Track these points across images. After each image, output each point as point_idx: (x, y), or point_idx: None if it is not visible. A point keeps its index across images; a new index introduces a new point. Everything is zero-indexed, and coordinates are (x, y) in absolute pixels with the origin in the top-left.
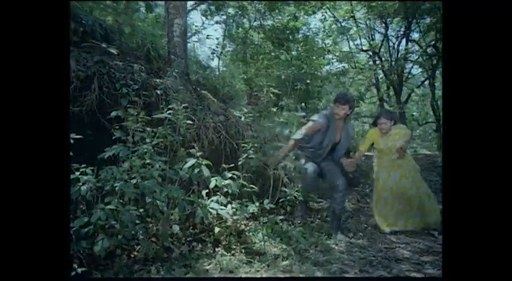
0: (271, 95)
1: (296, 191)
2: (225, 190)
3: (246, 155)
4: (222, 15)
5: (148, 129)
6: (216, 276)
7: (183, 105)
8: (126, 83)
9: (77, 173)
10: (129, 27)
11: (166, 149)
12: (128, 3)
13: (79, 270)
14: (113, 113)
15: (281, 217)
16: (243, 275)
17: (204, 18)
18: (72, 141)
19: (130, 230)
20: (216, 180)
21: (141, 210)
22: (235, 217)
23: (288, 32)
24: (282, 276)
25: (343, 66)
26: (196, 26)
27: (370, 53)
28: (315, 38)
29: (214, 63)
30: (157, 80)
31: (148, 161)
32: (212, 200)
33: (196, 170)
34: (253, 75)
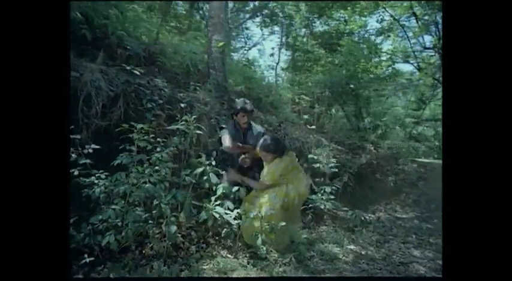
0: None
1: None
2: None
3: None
4: (276, 25)
5: (158, 139)
6: (212, 276)
7: (193, 116)
8: (152, 99)
9: (92, 178)
10: (172, 47)
11: (179, 156)
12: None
13: (87, 259)
14: (139, 126)
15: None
16: (235, 276)
17: (260, 30)
18: (91, 150)
19: (132, 229)
20: (223, 187)
21: (153, 211)
22: (236, 222)
23: (340, 35)
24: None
25: (406, 67)
26: (250, 37)
27: (435, 50)
28: (372, 40)
29: (268, 72)
30: (181, 95)
31: (156, 167)
32: (217, 205)
33: (204, 177)
34: (303, 82)
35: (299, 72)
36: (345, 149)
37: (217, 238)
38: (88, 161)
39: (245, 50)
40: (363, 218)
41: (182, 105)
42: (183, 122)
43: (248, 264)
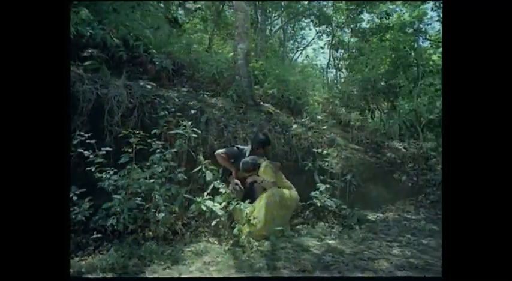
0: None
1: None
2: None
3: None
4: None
5: (158, 142)
6: (187, 255)
7: (190, 122)
8: (165, 108)
9: (103, 173)
10: (200, 59)
11: (178, 156)
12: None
13: (96, 236)
14: (154, 131)
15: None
16: (206, 260)
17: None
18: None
19: (131, 214)
20: (214, 184)
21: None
22: (221, 213)
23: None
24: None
25: None
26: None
27: None
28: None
29: (315, 72)
30: (192, 103)
31: (155, 165)
32: (206, 198)
33: (200, 174)
34: (339, 81)
35: (340, 70)
36: (365, 148)
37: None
38: (102, 160)
39: (300, 50)
40: (368, 216)
41: (192, 111)
42: (183, 127)
43: (224, 250)
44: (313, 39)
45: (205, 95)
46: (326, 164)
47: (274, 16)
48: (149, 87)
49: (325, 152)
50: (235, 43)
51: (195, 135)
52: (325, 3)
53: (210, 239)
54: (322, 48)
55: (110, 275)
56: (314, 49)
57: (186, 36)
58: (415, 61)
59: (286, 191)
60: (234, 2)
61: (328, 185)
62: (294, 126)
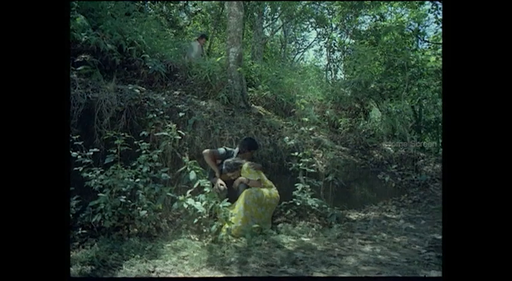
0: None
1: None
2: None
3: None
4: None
5: (144, 143)
6: (166, 250)
7: (178, 124)
8: (155, 111)
9: (89, 173)
10: (193, 63)
11: (165, 157)
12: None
13: (80, 232)
14: (142, 133)
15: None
16: (183, 255)
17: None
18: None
19: (115, 212)
20: (200, 183)
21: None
22: (202, 210)
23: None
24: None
25: None
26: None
27: None
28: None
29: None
30: (180, 106)
31: (141, 166)
32: (189, 197)
33: (185, 174)
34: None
35: (336, 72)
36: (352, 149)
37: (193, 224)
38: (90, 160)
39: (301, 52)
40: (350, 216)
41: (180, 114)
42: (168, 130)
43: (202, 246)
44: (314, 41)
45: (193, 99)
46: (309, 165)
47: (273, 19)
48: (137, 91)
49: (306, 153)
50: (228, 47)
51: (179, 137)
52: (322, 5)
53: (192, 236)
54: (320, 50)
55: (88, 268)
56: (316, 50)
57: (185, 39)
58: (409, 63)
59: (265, 190)
60: (226, 7)
61: (307, 185)
62: (285, 128)
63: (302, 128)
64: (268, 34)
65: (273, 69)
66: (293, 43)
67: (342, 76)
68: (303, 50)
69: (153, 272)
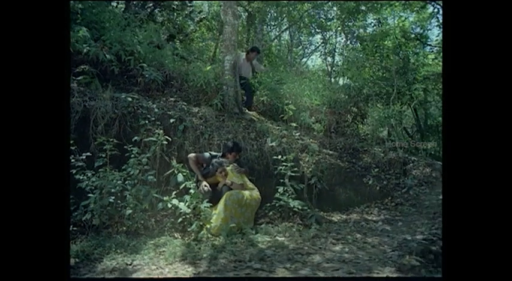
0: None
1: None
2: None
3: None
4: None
5: (134, 148)
6: (148, 246)
7: (168, 130)
8: (147, 117)
9: (81, 175)
10: (190, 70)
11: (154, 160)
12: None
13: (72, 229)
14: (134, 138)
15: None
16: (161, 250)
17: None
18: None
19: (99, 211)
20: (186, 184)
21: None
22: (185, 210)
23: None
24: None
25: None
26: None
27: None
28: (428, 36)
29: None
30: (171, 112)
31: (130, 169)
32: (173, 197)
33: (173, 177)
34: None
35: (336, 77)
36: (340, 153)
37: (179, 223)
38: (82, 164)
39: (306, 56)
40: (332, 218)
41: (171, 120)
42: (156, 135)
43: (182, 243)
44: (319, 45)
45: (186, 105)
46: (292, 168)
47: (274, 24)
48: (130, 99)
49: (289, 157)
50: (223, 55)
51: (166, 142)
52: (325, 8)
53: (175, 234)
54: (323, 54)
55: (72, 260)
56: (316, 56)
57: (193, 45)
58: (409, 66)
59: (246, 192)
60: (222, 16)
61: (290, 188)
62: (274, 132)
63: (290, 133)
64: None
65: (275, 75)
66: (300, 47)
67: (341, 81)
68: (308, 54)
69: (130, 264)
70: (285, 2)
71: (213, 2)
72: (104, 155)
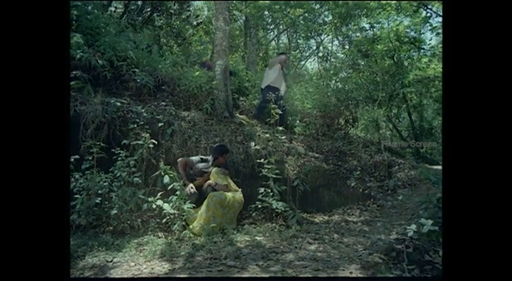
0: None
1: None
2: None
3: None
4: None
5: (121, 151)
6: (131, 245)
7: (148, 134)
8: (135, 121)
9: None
10: (182, 75)
11: (141, 163)
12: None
13: None
14: (123, 142)
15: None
16: (142, 249)
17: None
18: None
19: (85, 211)
20: (174, 186)
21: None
22: (169, 210)
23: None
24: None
25: None
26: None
27: None
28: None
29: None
30: (160, 116)
31: (116, 171)
32: (158, 198)
33: (160, 178)
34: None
35: (329, 81)
36: (326, 156)
37: (163, 223)
38: (71, 166)
39: (303, 60)
40: (315, 219)
41: (160, 124)
42: (143, 139)
43: (164, 242)
44: (316, 49)
45: (174, 109)
46: (273, 171)
47: (270, 28)
48: (119, 104)
49: (271, 160)
50: (215, 60)
51: (152, 145)
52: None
53: (160, 234)
54: (320, 58)
55: None
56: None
57: (191, 49)
58: (402, 70)
59: (229, 194)
60: (214, 22)
61: (274, 190)
62: (261, 136)
63: (274, 136)
64: (273, 43)
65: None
66: (297, 51)
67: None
68: (306, 57)
69: (110, 261)
70: (277, 7)
71: (211, 6)
72: (90, 158)
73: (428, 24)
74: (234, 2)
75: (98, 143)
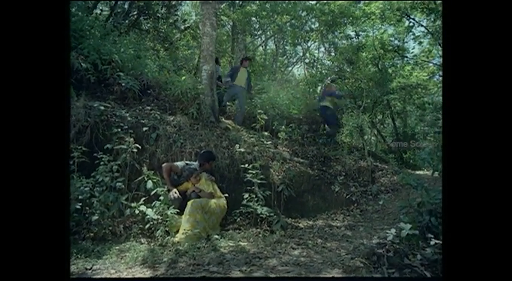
0: None
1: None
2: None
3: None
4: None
5: (104, 156)
6: (112, 251)
7: (132, 138)
8: (119, 126)
9: None
10: (168, 80)
11: (125, 168)
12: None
13: None
14: (106, 146)
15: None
16: (123, 255)
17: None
18: None
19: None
20: (157, 191)
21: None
22: (152, 216)
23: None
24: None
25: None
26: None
27: None
28: (406, 48)
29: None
30: (145, 121)
31: (98, 176)
32: (141, 204)
33: (143, 183)
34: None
35: (315, 87)
36: (310, 161)
37: (146, 229)
38: None
39: (291, 66)
40: (299, 224)
41: (144, 129)
42: (127, 143)
43: (146, 249)
44: (303, 55)
45: (159, 114)
46: (257, 175)
47: (257, 34)
48: (102, 107)
49: (256, 165)
50: (201, 65)
51: (136, 150)
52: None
53: (142, 240)
54: (306, 64)
55: None
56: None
57: (178, 53)
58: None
59: (211, 200)
60: (200, 27)
61: (259, 195)
62: (246, 141)
63: (259, 140)
64: (260, 48)
65: (256, 84)
66: (285, 57)
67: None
68: (293, 63)
69: (90, 269)
70: (264, 13)
71: (198, 10)
72: (71, 163)
73: (411, 33)
74: (222, 7)
75: (80, 147)
